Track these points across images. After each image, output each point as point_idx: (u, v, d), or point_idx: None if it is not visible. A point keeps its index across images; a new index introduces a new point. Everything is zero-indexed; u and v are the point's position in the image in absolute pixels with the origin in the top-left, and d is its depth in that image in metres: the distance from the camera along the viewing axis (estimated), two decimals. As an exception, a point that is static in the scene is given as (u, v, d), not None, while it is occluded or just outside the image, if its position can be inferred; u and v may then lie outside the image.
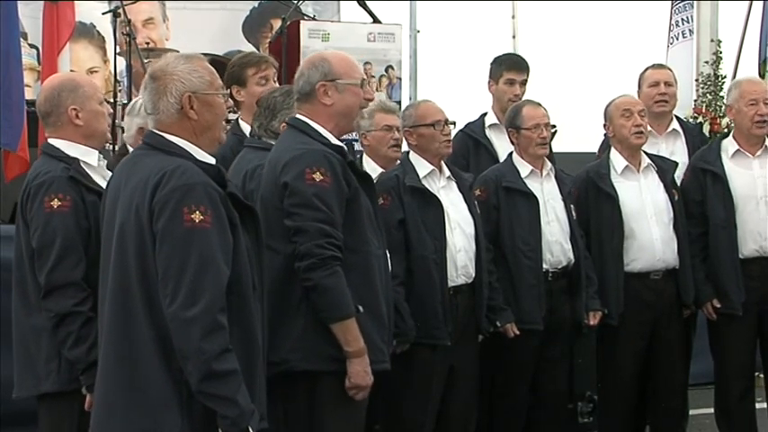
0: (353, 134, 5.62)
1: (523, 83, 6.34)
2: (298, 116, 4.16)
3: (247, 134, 5.02)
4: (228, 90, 5.27)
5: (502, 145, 5.92)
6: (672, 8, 9.86)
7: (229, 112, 3.91)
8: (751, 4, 9.61)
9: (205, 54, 3.95)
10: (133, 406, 3.30)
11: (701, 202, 5.65)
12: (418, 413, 4.99)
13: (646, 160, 5.67)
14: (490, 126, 6.28)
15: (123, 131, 4.64)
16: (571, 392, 5.93)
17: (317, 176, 3.93)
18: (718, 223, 5.60)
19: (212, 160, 3.45)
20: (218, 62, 4.29)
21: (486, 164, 5.91)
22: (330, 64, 4.12)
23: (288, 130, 4.19)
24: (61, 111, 4.01)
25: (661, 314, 5.56)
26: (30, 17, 8.40)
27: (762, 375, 5.94)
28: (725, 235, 5.59)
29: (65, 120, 4.01)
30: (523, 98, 6.10)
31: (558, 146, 6.15)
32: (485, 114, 6.38)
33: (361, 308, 3.94)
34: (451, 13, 10.42)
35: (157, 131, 3.44)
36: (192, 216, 3.23)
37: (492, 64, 6.47)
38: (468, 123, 6.36)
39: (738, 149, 5.70)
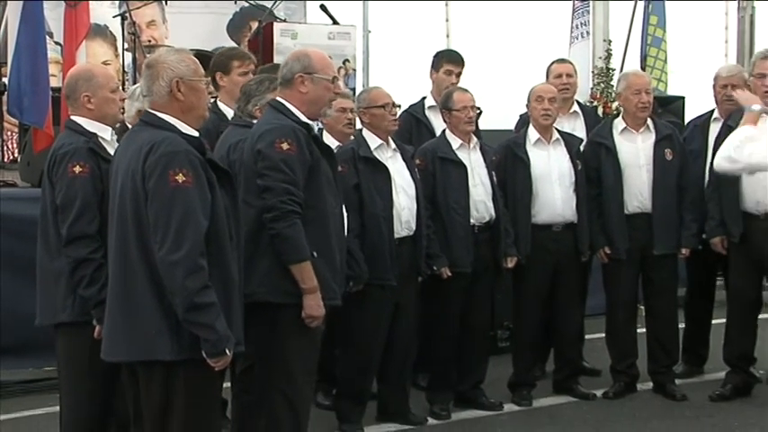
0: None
1: (459, 74, 6.19)
2: (278, 98, 4.07)
3: (226, 114, 4.94)
4: (212, 75, 5.14)
5: (439, 123, 5.83)
6: (573, 13, 9.90)
7: (211, 96, 3.83)
8: (634, 11, 9.65)
9: (192, 49, 3.90)
10: (133, 333, 3.28)
11: (596, 169, 5.65)
12: (370, 340, 4.97)
13: (555, 135, 5.64)
14: (429, 108, 6.16)
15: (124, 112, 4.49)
16: (492, 322, 5.92)
17: (285, 146, 3.85)
18: (608, 186, 5.61)
19: (196, 133, 3.39)
20: (202, 55, 4.16)
21: (426, 138, 5.82)
22: (310, 59, 4.03)
23: (269, 110, 4.10)
24: (77, 96, 3.92)
25: (561, 259, 5.55)
26: (54, 19, 8.27)
27: (642, 306, 5.94)
28: (613, 195, 5.59)
29: (79, 103, 3.93)
30: (456, 87, 5.98)
31: (483, 124, 6.05)
32: (425, 98, 6.25)
33: (315, 254, 3.87)
34: (397, 17, 10.32)
35: (151, 110, 3.40)
36: (177, 177, 3.20)
37: (434, 57, 6.33)
38: (412, 105, 6.24)
39: (626, 127, 5.69)
